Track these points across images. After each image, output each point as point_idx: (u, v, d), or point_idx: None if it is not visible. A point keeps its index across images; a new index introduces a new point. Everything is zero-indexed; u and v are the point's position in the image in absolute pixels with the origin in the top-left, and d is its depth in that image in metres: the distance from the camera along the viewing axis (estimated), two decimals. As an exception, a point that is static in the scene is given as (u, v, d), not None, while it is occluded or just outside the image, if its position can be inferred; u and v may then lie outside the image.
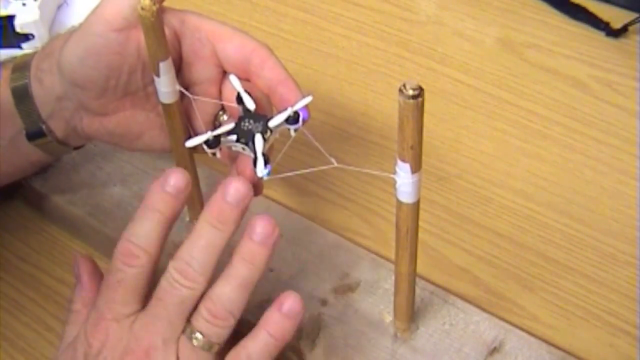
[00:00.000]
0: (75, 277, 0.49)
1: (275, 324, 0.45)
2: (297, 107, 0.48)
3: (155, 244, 0.45)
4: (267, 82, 0.50)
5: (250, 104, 0.49)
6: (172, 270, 0.44)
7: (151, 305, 0.45)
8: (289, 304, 0.45)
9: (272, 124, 0.48)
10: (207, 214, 0.44)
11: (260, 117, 0.48)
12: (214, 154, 0.48)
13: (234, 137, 0.48)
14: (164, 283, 0.44)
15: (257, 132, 0.47)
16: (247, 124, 0.48)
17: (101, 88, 0.51)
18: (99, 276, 0.48)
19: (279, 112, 0.48)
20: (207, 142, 0.47)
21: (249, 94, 0.49)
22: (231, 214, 0.44)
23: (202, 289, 0.44)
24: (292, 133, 0.48)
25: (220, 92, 0.52)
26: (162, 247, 0.46)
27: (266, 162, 0.46)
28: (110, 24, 0.49)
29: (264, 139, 0.47)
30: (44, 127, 0.53)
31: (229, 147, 0.49)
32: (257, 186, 0.48)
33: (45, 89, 0.53)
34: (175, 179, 0.45)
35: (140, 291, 0.45)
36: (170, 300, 0.44)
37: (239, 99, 0.49)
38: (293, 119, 0.48)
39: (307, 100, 0.48)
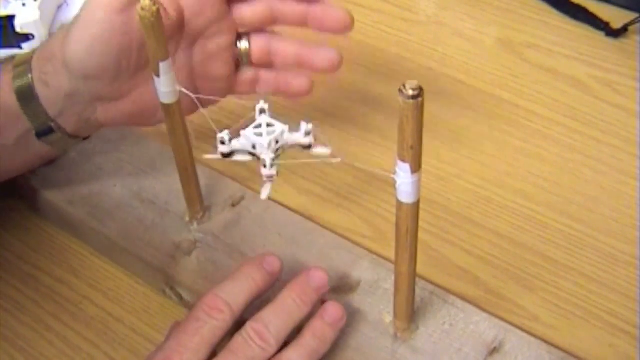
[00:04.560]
0: None
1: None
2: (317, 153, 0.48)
3: (241, 304, 0.48)
4: (296, 10, 0.51)
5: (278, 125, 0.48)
6: (249, 329, 0.47)
7: (222, 357, 0.47)
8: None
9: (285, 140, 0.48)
10: (292, 290, 0.50)
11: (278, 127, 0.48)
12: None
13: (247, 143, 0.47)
14: (239, 338, 0.47)
15: (271, 151, 0.47)
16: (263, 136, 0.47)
17: (114, 72, 0.51)
18: None
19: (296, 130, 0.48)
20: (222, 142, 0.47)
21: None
22: (312, 296, 0.50)
23: (272, 352, 0.47)
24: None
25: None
26: (244, 311, 0.49)
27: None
28: (111, 7, 0.50)
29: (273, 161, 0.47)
30: (53, 125, 0.54)
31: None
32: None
33: (52, 89, 0.52)
34: (273, 261, 0.50)
35: (214, 344, 0.47)
36: (242, 354, 0.47)
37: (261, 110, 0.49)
38: (307, 147, 0.48)
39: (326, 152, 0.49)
